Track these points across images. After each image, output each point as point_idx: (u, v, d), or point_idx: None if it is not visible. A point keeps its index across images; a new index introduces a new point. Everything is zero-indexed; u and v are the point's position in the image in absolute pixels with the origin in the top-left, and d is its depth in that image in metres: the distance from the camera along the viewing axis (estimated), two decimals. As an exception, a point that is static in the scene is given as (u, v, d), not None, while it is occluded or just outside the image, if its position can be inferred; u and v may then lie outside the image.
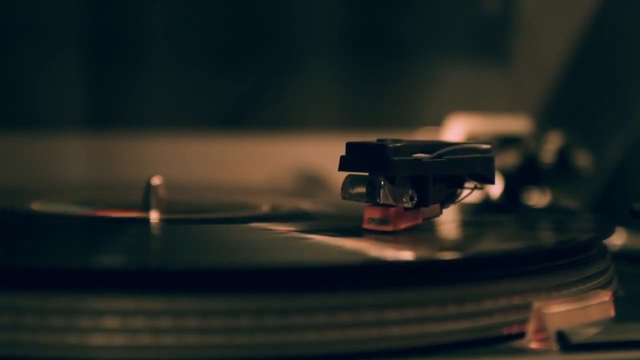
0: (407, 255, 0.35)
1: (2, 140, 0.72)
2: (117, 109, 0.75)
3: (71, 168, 0.73)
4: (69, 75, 0.73)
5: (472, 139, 0.60)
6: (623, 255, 0.50)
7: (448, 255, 0.36)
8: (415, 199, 0.39)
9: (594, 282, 0.37)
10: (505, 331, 0.33)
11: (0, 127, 0.72)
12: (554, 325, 0.33)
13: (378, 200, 0.38)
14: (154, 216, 0.45)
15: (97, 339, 0.30)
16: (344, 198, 0.39)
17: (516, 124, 0.63)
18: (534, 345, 0.33)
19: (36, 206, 0.49)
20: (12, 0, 0.73)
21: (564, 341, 0.32)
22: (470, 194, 0.41)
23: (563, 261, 0.36)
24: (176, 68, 0.76)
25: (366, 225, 0.39)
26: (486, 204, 0.56)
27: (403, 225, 0.39)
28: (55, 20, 0.73)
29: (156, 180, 0.46)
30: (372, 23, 0.79)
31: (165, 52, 0.75)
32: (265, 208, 0.49)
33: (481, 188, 0.41)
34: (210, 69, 0.76)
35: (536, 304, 0.33)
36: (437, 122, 0.67)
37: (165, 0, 0.76)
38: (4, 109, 0.74)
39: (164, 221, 0.44)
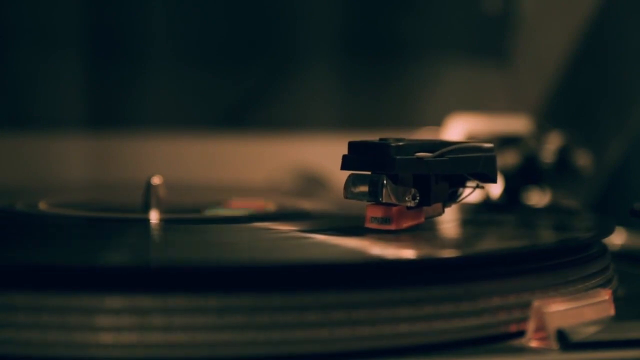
0: (409, 254, 0.35)
1: (2, 140, 0.72)
2: (117, 109, 0.75)
3: (71, 168, 0.73)
4: (69, 75, 0.73)
5: (472, 138, 0.60)
6: (623, 255, 0.50)
7: (449, 254, 0.36)
8: (418, 197, 0.39)
9: (594, 281, 0.37)
10: (505, 330, 0.33)
11: (0, 127, 0.72)
12: (553, 324, 0.33)
13: (380, 199, 0.38)
14: (153, 216, 0.45)
15: (96, 338, 0.30)
16: (346, 197, 0.39)
17: (516, 124, 0.62)
18: (533, 344, 0.33)
19: (36, 206, 0.49)
20: (12, 0, 0.73)
21: (564, 340, 0.32)
22: (472, 193, 0.41)
23: (563, 260, 0.37)
24: (176, 68, 0.76)
25: (368, 224, 0.39)
26: (487, 204, 0.56)
27: (405, 224, 0.39)
28: (55, 20, 0.73)
29: (156, 180, 0.46)
30: (372, 23, 0.79)
31: (165, 52, 0.75)
32: (265, 208, 0.49)
33: (483, 187, 0.41)
34: (210, 69, 0.76)
35: (536, 303, 0.33)
36: (438, 121, 0.67)
37: (165, 0, 0.76)
38: (4, 109, 0.74)
39: (163, 221, 0.44)
